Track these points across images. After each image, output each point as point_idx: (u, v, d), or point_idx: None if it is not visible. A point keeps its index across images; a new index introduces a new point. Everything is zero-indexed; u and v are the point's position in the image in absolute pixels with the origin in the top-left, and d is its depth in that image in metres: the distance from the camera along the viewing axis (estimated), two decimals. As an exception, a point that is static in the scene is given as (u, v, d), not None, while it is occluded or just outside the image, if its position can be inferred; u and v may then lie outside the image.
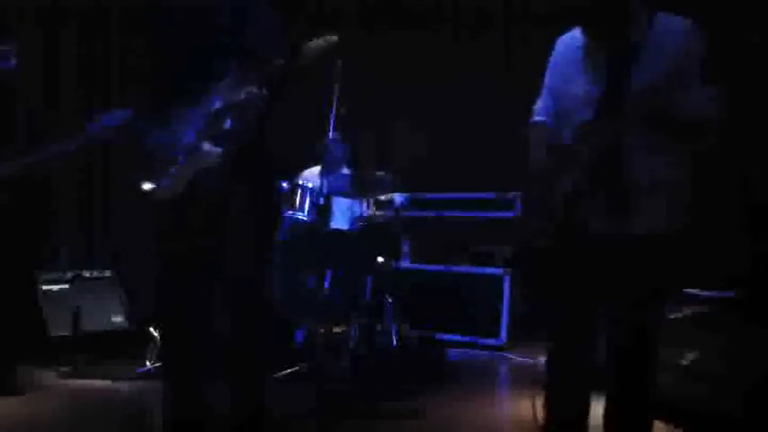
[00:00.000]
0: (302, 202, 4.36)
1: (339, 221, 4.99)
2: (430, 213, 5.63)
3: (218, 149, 2.62)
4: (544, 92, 2.64)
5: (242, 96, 2.58)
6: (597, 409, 2.59)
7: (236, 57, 2.64)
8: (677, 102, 2.23)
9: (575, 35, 2.48)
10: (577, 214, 2.35)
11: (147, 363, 4.13)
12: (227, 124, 2.64)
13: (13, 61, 3.78)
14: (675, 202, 2.37)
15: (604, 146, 2.30)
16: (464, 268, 5.44)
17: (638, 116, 2.24)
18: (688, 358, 3.14)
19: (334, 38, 2.59)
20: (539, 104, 2.66)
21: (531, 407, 2.66)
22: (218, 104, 2.63)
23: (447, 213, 5.60)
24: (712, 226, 4.68)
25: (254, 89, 2.58)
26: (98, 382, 4.07)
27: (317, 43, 2.58)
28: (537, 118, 2.64)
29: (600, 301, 2.46)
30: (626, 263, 2.34)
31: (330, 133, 4.64)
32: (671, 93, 2.21)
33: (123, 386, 4.00)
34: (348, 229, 4.91)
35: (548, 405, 2.56)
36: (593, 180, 2.33)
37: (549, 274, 2.57)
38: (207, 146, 2.62)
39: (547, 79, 2.62)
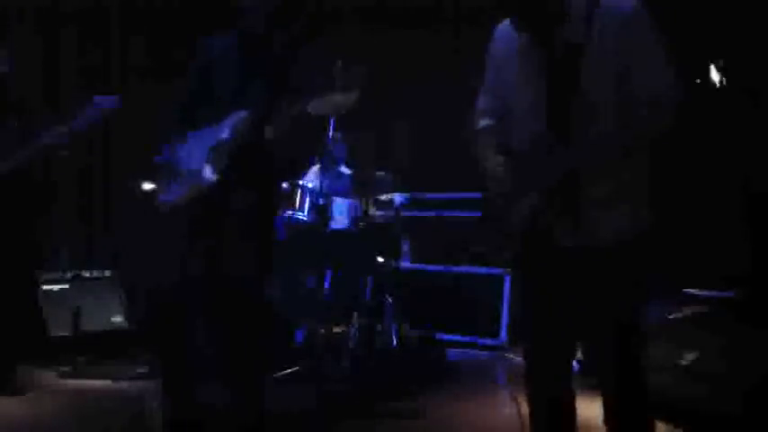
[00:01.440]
0: (302, 202, 4.36)
1: (339, 221, 4.99)
2: (430, 213, 5.63)
3: (213, 178, 2.64)
4: (486, 90, 2.46)
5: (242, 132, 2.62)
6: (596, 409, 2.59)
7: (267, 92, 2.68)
8: (630, 90, 2.08)
9: (510, 28, 2.24)
10: (542, 227, 2.26)
11: (147, 363, 4.14)
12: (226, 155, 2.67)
13: (7, 67, 3.79)
14: (639, 204, 2.26)
15: (564, 172, 2.15)
16: (464, 268, 5.44)
17: (591, 124, 2.07)
18: (688, 358, 3.14)
19: (355, 94, 2.62)
20: (481, 105, 2.48)
21: (517, 407, 2.67)
22: (226, 134, 2.66)
23: (447, 213, 5.60)
24: (712, 226, 4.69)
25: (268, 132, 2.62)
26: (98, 382, 4.07)
27: (338, 97, 2.60)
28: (484, 122, 2.46)
29: (576, 310, 2.42)
30: (597, 272, 2.25)
31: (330, 133, 4.64)
32: (625, 82, 2.06)
33: (123, 386, 4.00)
34: (348, 229, 4.91)
35: (531, 410, 2.57)
36: (555, 195, 2.21)
37: (527, 286, 2.53)
38: (207, 171, 2.64)
39: (489, 77, 2.44)
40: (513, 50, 2.25)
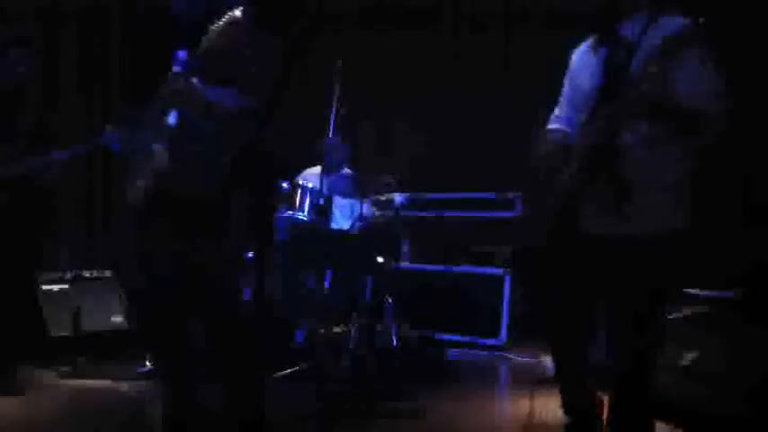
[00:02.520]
0: (302, 202, 4.36)
1: (339, 221, 4.99)
2: (430, 213, 5.63)
3: (162, 147, 2.60)
4: (560, 102, 2.69)
5: (178, 86, 2.56)
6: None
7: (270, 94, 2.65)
8: (675, 93, 2.23)
9: (585, 44, 2.58)
10: (574, 211, 2.36)
11: (147, 363, 4.14)
12: (171, 120, 2.62)
13: (25, 68, 3.82)
14: (674, 201, 2.34)
15: (601, 137, 2.30)
16: (464, 268, 5.44)
17: (635, 104, 2.23)
18: (688, 358, 3.14)
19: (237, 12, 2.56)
20: (557, 113, 2.70)
21: (529, 403, 2.70)
22: (159, 102, 2.63)
23: (447, 213, 5.60)
24: (712, 226, 4.69)
25: (179, 74, 2.56)
26: (98, 382, 4.07)
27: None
28: (554, 125, 2.67)
29: (598, 300, 2.48)
30: (623, 263, 2.33)
31: (330, 133, 4.64)
32: (667, 81, 2.20)
33: (123, 386, 4.00)
34: (348, 229, 4.91)
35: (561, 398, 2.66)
36: (590, 178, 2.32)
37: (547, 273, 2.59)
38: (157, 146, 2.62)
39: (564, 88, 2.68)
40: (581, 55, 2.58)
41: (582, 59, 2.57)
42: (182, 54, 2.58)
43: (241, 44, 2.55)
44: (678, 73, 2.24)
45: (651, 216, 2.31)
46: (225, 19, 2.53)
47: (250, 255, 3.14)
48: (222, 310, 2.75)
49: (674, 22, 2.31)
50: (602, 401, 2.62)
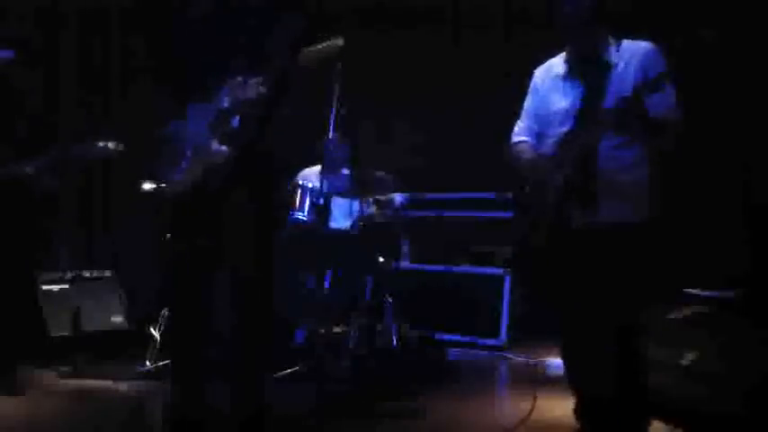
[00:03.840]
0: (302, 202, 4.36)
1: (339, 221, 4.99)
2: (430, 213, 5.63)
3: (224, 149, 2.64)
4: (524, 115, 3.01)
5: (249, 95, 2.60)
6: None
7: (248, 55, 2.65)
8: (644, 107, 2.54)
9: (551, 65, 2.91)
10: (565, 210, 2.65)
11: (147, 363, 4.14)
12: (235, 123, 2.66)
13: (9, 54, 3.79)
14: (642, 194, 2.71)
15: (586, 148, 2.62)
16: (464, 268, 5.44)
17: (612, 122, 2.57)
18: (688, 358, 3.14)
19: (339, 41, 2.61)
20: (519, 125, 3.02)
21: (531, 403, 2.74)
22: (225, 103, 2.64)
23: (447, 213, 5.60)
24: (712, 226, 4.69)
25: (262, 88, 2.60)
26: (98, 382, 4.07)
27: (320, 46, 2.60)
28: (518, 138, 3.00)
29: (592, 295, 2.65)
30: (599, 252, 2.62)
31: (330, 133, 4.64)
32: (638, 100, 2.52)
33: (123, 386, 4.00)
34: (348, 229, 4.91)
35: (575, 399, 2.87)
36: (582, 179, 2.64)
37: (545, 272, 2.74)
38: (215, 144, 2.64)
39: (527, 104, 3.00)
40: (552, 77, 2.88)
41: (548, 81, 2.89)
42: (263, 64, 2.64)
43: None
44: (654, 96, 2.56)
45: (620, 207, 2.64)
46: (333, 45, 2.64)
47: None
48: (254, 304, 2.76)
49: (637, 45, 2.72)
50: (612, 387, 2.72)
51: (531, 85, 2.99)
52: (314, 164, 4.96)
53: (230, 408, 2.74)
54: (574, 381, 2.89)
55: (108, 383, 4.04)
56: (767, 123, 4.60)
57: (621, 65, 2.70)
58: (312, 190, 4.39)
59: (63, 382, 4.13)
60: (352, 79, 4.55)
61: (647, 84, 2.53)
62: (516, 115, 3.06)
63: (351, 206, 5.04)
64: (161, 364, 4.08)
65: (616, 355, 2.59)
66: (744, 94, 4.64)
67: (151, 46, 3.41)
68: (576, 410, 2.90)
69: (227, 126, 2.66)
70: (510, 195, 5.31)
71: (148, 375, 4.04)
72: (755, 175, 4.71)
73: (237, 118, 2.67)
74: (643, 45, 2.74)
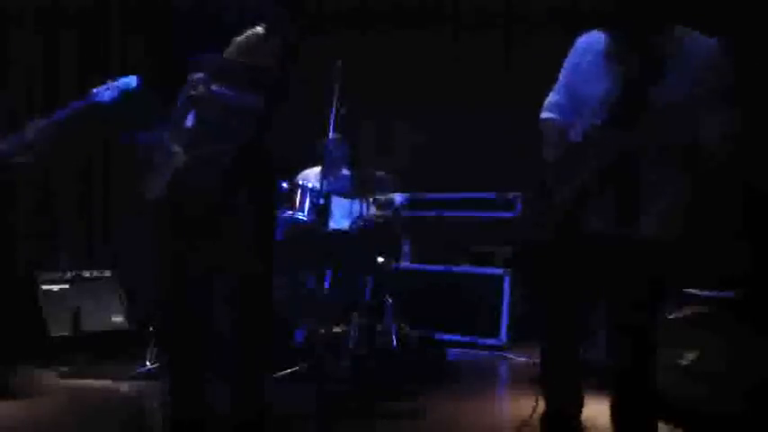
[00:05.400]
0: (302, 202, 4.36)
1: (339, 221, 4.99)
2: (430, 213, 5.63)
3: (180, 150, 2.61)
4: (559, 88, 2.64)
5: (193, 92, 2.56)
6: (601, 407, 2.60)
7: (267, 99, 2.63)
8: (695, 133, 2.27)
9: (598, 37, 2.48)
10: (582, 212, 2.42)
11: (147, 363, 4.14)
12: (188, 122, 2.62)
13: None
14: (678, 207, 2.43)
15: (615, 154, 2.34)
16: (464, 268, 5.44)
17: (655, 136, 2.26)
18: (688, 358, 3.14)
19: (259, 29, 2.52)
20: (551, 99, 2.66)
21: (532, 406, 2.71)
22: (179, 102, 2.62)
23: (447, 213, 5.60)
24: (712, 226, 4.68)
25: (202, 87, 2.55)
26: (98, 382, 4.07)
27: (240, 38, 2.53)
28: (547, 114, 2.65)
29: (599, 299, 2.52)
30: (629, 263, 2.38)
31: (330, 133, 4.64)
32: (689, 116, 2.24)
33: (123, 386, 4.00)
34: (348, 229, 4.91)
35: (545, 399, 2.65)
36: (602, 180, 2.38)
37: (546, 270, 2.63)
38: (175, 147, 2.62)
39: (563, 76, 2.62)
40: (595, 54, 2.46)
41: (591, 55, 2.50)
42: (204, 58, 2.57)
43: (269, 59, 2.55)
44: (707, 118, 2.27)
45: (657, 221, 2.38)
46: (252, 34, 2.52)
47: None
48: (254, 304, 2.75)
49: (703, 42, 2.33)
50: (582, 401, 2.64)
51: (571, 53, 2.59)
52: (314, 164, 4.96)
53: (230, 408, 2.73)
54: (548, 383, 2.70)
55: (108, 383, 4.04)
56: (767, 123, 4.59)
57: (676, 63, 2.29)
58: (312, 190, 4.39)
59: (63, 382, 4.12)
60: (352, 79, 4.55)
61: (703, 99, 2.23)
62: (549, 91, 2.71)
63: (351, 206, 5.04)
64: (162, 363, 4.08)
65: (627, 356, 2.49)
66: (743, 94, 4.63)
67: (150, 46, 3.38)
68: (543, 418, 2.70)
69: (181, 126, 2.62)
70: (510, 196, 5.31)
71: (148, 375, 4.03)
72: (755, 175, 4.70)
73: (190, 117, 2.61)
74: (707, 44, 2.33)
